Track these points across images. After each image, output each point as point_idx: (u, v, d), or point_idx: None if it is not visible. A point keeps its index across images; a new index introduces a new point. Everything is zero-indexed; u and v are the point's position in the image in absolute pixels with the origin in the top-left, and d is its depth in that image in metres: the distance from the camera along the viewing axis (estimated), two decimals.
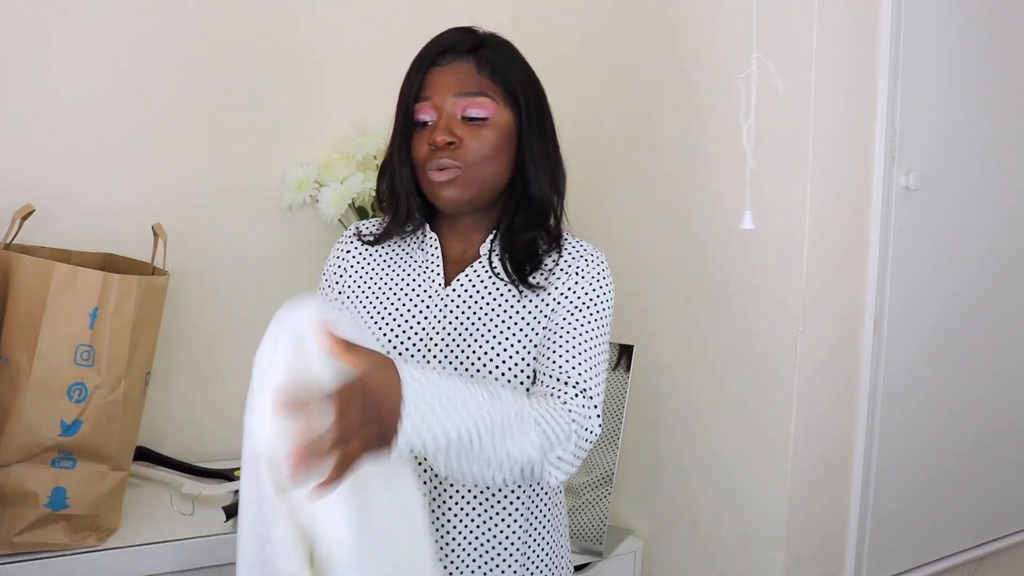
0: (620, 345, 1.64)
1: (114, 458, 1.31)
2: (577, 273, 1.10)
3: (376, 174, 1.70)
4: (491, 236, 1.13)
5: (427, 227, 1.15)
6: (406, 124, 1.11)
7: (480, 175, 1.08)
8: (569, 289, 1.09)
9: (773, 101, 1.42)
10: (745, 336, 1.48)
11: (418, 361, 1.09)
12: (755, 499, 1.47)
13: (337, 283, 1.17)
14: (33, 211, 1.38)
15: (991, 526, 1.80)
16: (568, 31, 1.85)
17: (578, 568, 1.56)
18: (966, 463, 1.70)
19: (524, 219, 1.11)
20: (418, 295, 1.12)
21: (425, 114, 1.09)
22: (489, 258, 1.12)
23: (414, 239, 1.17)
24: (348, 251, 1.19)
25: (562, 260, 1.12)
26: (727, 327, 1.51)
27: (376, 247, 1.18)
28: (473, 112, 1.08)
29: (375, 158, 1.77)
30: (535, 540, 1.11)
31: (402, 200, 1.12)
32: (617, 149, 1.73)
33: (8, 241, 1.35)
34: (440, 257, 1.14)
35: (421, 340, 1.09)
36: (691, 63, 1.56)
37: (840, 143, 1.42)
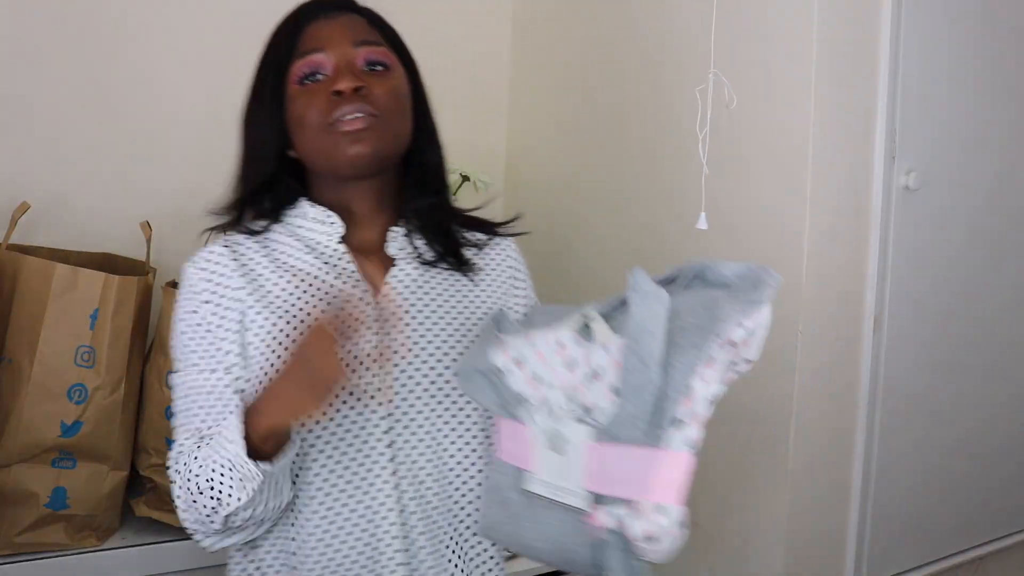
0: None
1: (114, 458, 1.31)
2: (516, 260, 1.09)
3: None
4: (399, 225, 1.01)
5: (330, 212, 0.99)
6: (279, 87, 0.96)
7: (392, 128, 0.96)
8: (524, 284, 1.09)
9: (773, 100, 1.42)
10: None
11: (384, 381, 0.94)
12: (755, 499, 1.47)
13: (231, 320, 0.94)
14: (29, 207, 1.38)
15: (991, 526, 1.79)
16: (568, 31, 1.85)
17: None
18: (966, 463, 1.70)
19: (424, 192, 1.03)
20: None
21: (314, 67, 0.95)
22: (411, 242, 1.01)
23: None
24: (226, 275, 0.97)
25: (487, 241, 1.07)
26: None
27: (254, 267, 0.98)
28: (375, 57, 0.96)
29: None
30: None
31: (261, 172, 1.00)
32: (617, 147, 1.73)
33: (7, 241, 1.36)
34: (352, 263, 0.98)
35: (370, 360, 0.94)
36: (689, 64, 1.56)
37: (840, 143, 1.42)
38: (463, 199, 1.86)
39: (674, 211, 1.61)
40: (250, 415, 0.86)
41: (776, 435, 1.44)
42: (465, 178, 1.84)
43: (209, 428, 0.93)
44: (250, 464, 0.84)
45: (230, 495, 0.85)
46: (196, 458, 0.88)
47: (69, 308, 1.26)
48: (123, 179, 1.61)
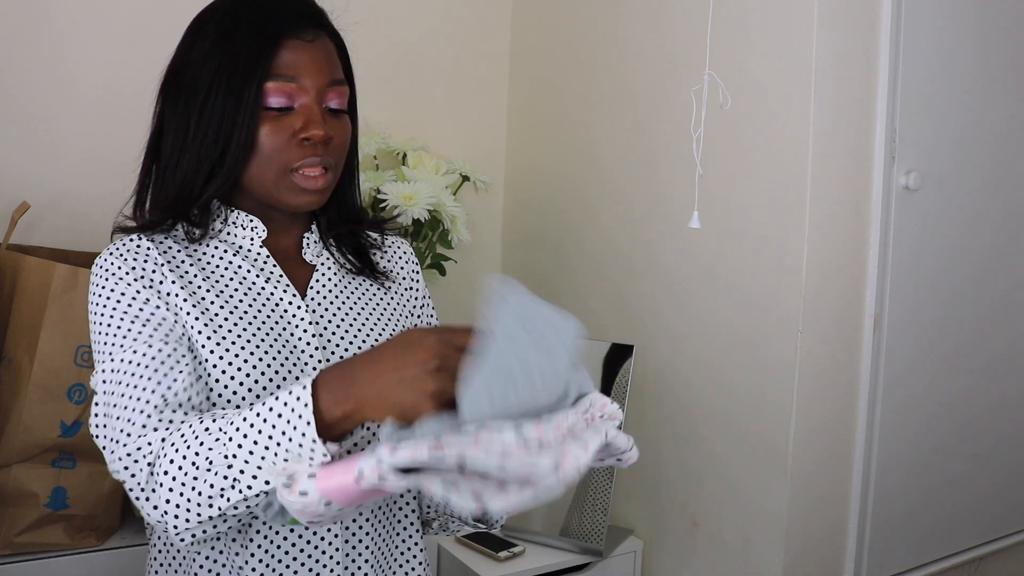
0: (620, 345, 1.64)
1: None
2: (413, 260, 1.09)
3: (376, 174, 1.72)
4: (312, 231, 1.01)
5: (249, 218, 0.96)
6: (257, 100, 0.88)
7: (337, 175, 0.96)
8: (420, 281, 1.08)
9: (773, 101, 1.42)
10: (745, 336, 1.48)
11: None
12: (755, 499, 1.48)
13: (170, 310, 0.88)
14: (29, 207, 1.38)
15: (991, 526, 1.80)
16: (567, 32, 1.85)
17: (578, 568, 1.57)
18: (966, 463, 1.70)
19: (341, 220, 1.02)
20: (275, 312, 0.93)
21: (285, 97, 0.90)
22: (327, 250, 1.01)
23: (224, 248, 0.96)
24: (158, 267, 0.91)
25: (385, 243, 1.08)
26: (727, 327, 1.51)
27: (179, 264, 0.93)
28: (337, 103, 0.93)
29: (375, 158, 1.77)
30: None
31: (226, 183, 0.92)
32: (616, 146, 1.73)
33: (6, 241, 1.36)
34: (277, 267, 0.96)
35: (300, 362, 0.91)
36: (685, 65, 1.56)
37: (840, 143, 1.42)
38: (463, 199, 1.87)
39: (674, 211, 1.61)
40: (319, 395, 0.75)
41: (776, 435, 1.44)
42: (465, 178, 1.84)
43: (179, 398, 0.82)
44: (316, 442, 0.72)
45: (254, 476, 0.74)
46: (209, 424, 0.77)
47: (69, 308, 1.26)
48: (123, 178, 1.60)
